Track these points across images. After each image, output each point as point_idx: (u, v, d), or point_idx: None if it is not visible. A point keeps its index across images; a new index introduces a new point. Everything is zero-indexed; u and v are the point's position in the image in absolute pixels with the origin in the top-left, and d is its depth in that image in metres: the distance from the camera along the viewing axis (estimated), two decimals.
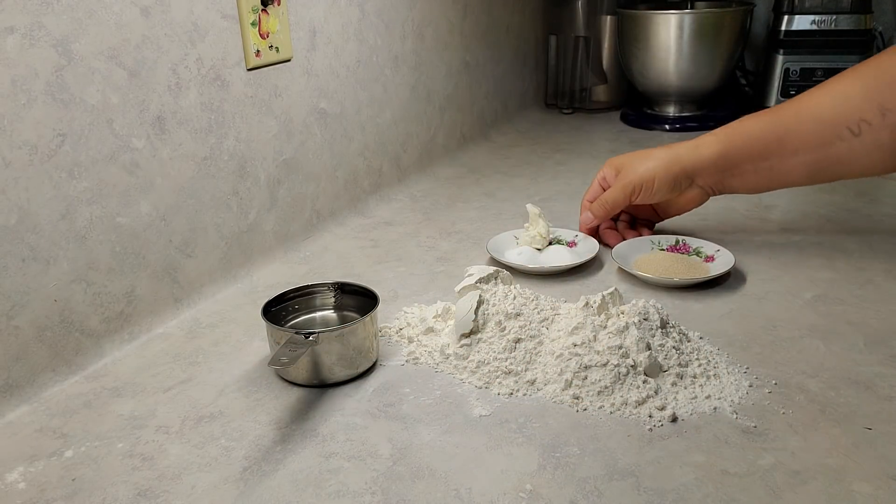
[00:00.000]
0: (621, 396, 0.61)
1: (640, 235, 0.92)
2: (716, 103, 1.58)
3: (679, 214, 0.93)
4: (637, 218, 0.96)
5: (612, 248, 0.88)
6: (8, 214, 0.63)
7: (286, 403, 0.64)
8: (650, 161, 0.86)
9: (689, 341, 0.68)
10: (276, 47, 0.90)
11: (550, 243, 0.93)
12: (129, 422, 0.62)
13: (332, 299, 0.74)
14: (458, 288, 0.73)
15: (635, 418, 0.60)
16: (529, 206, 0.91)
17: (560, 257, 0.89)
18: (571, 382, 0.63)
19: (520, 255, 0.89)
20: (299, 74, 0.95)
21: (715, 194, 0.88)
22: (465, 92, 1.41)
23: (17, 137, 0.63)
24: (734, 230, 0.98)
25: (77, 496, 0.54)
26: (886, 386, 0.63)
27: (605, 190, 0.91)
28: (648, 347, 0.63)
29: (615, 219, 0.95)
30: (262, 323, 0.67)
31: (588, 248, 0.90)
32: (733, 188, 0.86)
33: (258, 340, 0.75)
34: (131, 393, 0.67)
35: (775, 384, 0.64)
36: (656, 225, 0.97)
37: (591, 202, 0.92)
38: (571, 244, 0.93)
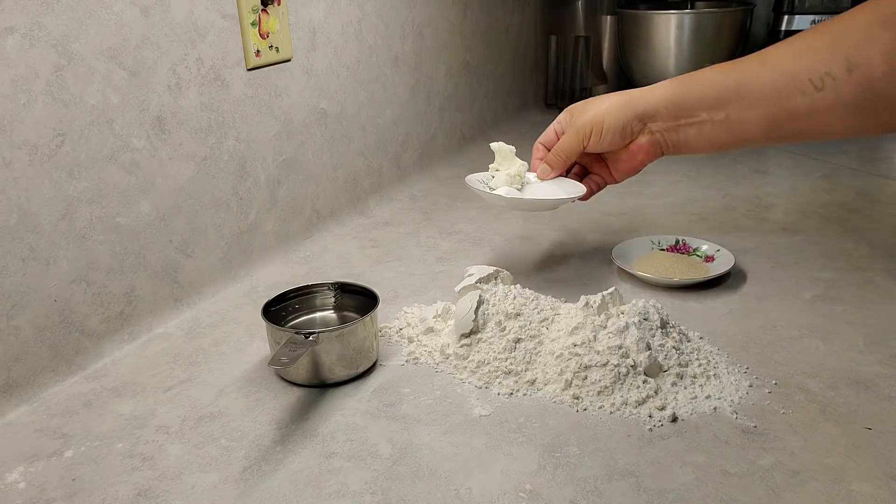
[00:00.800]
0: (621, 396, 0.61)
1: (589, 190, 0.84)
2: None
3: (630, 172, 0.83)
4: (590, 173, 0.87)
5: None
6: (8, 214, 0.63)
7: (286, 403, 0.64)
8: (602, 103, 0.80)
9: (689, 341, 0.68)
10: (276, 47, 0.90)
11: (524, 184, 0.85)
12: (129, 422, 0.62)
13: (332, 299, 0.74)
14: (458, 288, 0.73)
15: (635, 418, 0.60)
16: (499, 145, 0.85)
17: (551, 192, 0.83)
18: (571, 382, 0.63)
19: (508, 193, 0.81)
20: (299, 74, 0.95)
21: (668, 150, 0.79)
22: (465, 92, 1.41)
23: (17, 137, 0.63)
24: (734, 230, 0.98)
25: (77, 496, 0.54)
26: (886, 386, 0.63)
27: (558, 137, 0.84)
28: (648, 347, 0.63)
29: (567, 170, 0.87)
30: (262, 323, 0.67)
31: (568, 184, 0.84)
32: (688, 142, 0.78)
33: (258, 340, 0.75)
34: (131, 393, 0.67)
35: (775, 384, 0.64)
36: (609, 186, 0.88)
37: (545, 146, 0.85)
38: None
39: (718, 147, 0.79)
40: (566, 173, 0.85)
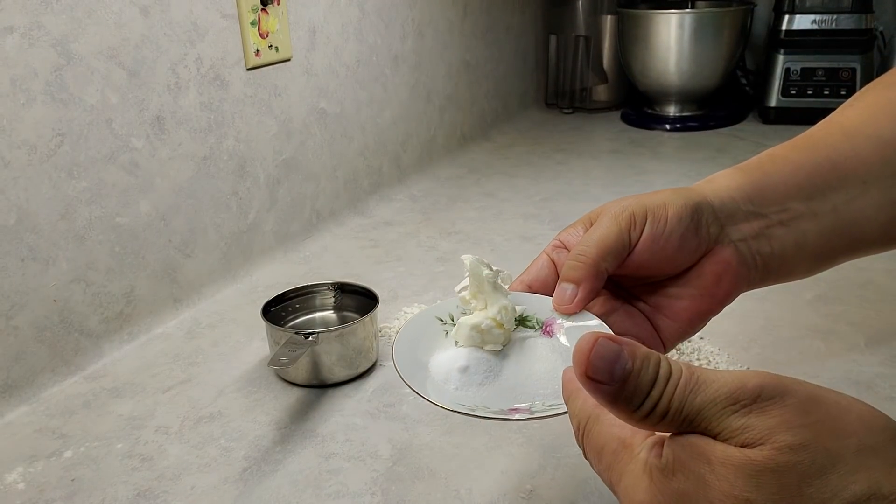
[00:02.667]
0: None
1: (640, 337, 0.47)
2: (716, 103, 1.58)
3: (698, 318, 0.48)
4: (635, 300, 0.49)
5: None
6: (7, 214, 0.63)
7: (286, 404, 0.64)
8: (653, 194, 0.49)
9: (689, 341, 0.68)
10: (276, 47, 0.90)
11: (516, 325, 0.45)
12: (128, 422, 0.62)
13: (332, 299, 0.74)
14: (458, 288, 0.72)
15: None
16: (470, 259, 0.46)
17: (548, 370, 0.43)
18: None
19: (464, 371, 0.42)
20: (299, 74, 0.95)
21: (756, 272, 0.48)
22: (465, 92, 1.41)
23: (17, 137, 0.63)
24: None
25: (76, 496, 0.54)
26: (887, 386, 0.63)
27: (556, 266, 0.48)
28: None
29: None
30: (262, 323, 0.67)
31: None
32: (785, 254, 0.49)
33: (258, 340, 0.75)
34: (131, 393, 0.66)
35: None
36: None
37: (566, 247, 0.48)
38: (547, 329, 0.45)
39: (825, 261, 0.53)
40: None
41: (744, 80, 1.66)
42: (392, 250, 0.96)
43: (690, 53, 1.48)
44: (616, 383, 0.30)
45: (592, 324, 0.44)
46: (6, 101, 0.62)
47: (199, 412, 0.63)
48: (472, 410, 0.39)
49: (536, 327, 0.46)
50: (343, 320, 0.73)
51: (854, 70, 1.43)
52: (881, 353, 0.68)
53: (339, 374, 0.66)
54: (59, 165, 0.66)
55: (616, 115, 1.66)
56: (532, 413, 0.40)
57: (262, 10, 0.87)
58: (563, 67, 1.68)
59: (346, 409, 0.63)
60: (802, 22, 1.49)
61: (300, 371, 0.65)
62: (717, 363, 0.66)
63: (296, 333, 0.63)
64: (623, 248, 0.45)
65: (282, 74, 0.92)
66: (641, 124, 1.56)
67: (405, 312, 0.77)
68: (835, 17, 1.46)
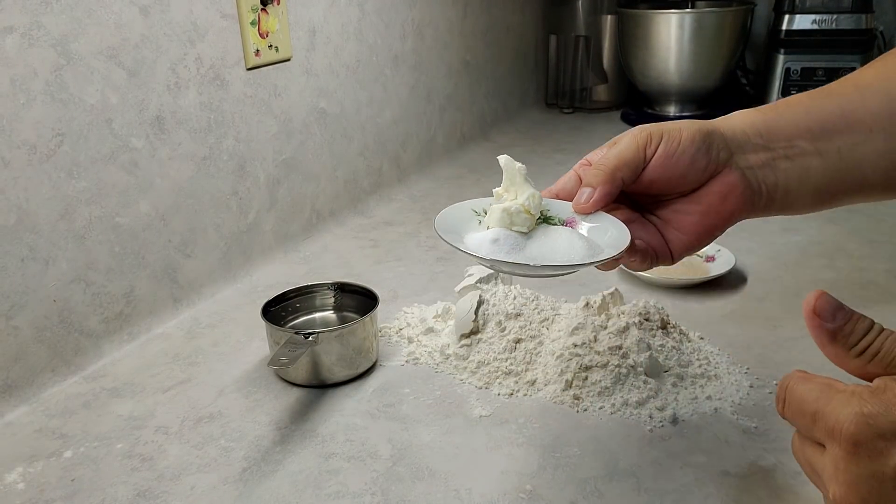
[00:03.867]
0: (622, 397, 0.61)
1: (641, 258, 0.53)
2: (716, 103, 1.58)
3: (705, 233, 0.54)
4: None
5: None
6: (7, 214, 0.63)
7: (286, 404, 0.64)
8: (671, 122, 0.54)
9: (689, 341, 0.68)
10: (276, 47, 0.90)
11: (541, 220, 0.53)
12: (128, 422, 0.62)
13: (332, 299, 0.74)
14: (458, 288, 0.73)
15: (636, 419, 0.60)
16: (506, 160, 0.54)
17: (567, 247, 0.50)
18: (572, 383, 0.62)
19: (495, 242, 0.50)
20: (299, 74, 0.95)
21: (762, 198, 0.53)
22: (465, 92, 1.41)
23: (17, 137, 0.63)
24: (734, 230, 0.98)
25: (76, 496, 0.54)
26: None
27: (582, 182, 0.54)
28: (649, 348, 0.63)
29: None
30: (262, 323, 0.67)
31: (607, 231, 0.52)
32: (789, 185, 0.53)
33: (258, 340, 0.75)
34: (130, 393, 0.66)
35: (776, 384, 0.63)
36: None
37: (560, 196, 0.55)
38: (571, 222, 0.53)
39: (826, 198, 0.55)
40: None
41: (744, 80, 1.66)
42: (392, 250, 0.96)
43: (690, 53, 1.47)
44: (837, 323, 0.39)
45: (609, 222, 0.51)
46: (6, 101, 0.62)
47: (199, 412, 0.63)
48: (503, 258, 0.48)
49: (558, 224, 0.53)
50: (343, 320, 0.73)
51: (854, 70, 1.42)
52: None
53: (339, 374, 0.66)
54: (58, 165, 0.66)
55: (616, 115, 1.66)
56: (557, 270, 0.48)
57: (262, 9, 0.87)
58: (563, 67, 1.68)
59: (346, 409, 0.63)
60: (803, 22, 1.49)
61: (300, 371, 0.65)
62: (716, 363, 0.66)
63: (296, 333, 0.63)
64: (639, 162, 0.52)
65: (282, 74, 0.92)
66: (641, 124, 1.56)
67: (405, 312, 0.77)
68: (835, 17, 1.46)
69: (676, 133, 0.52)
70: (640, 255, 0.53)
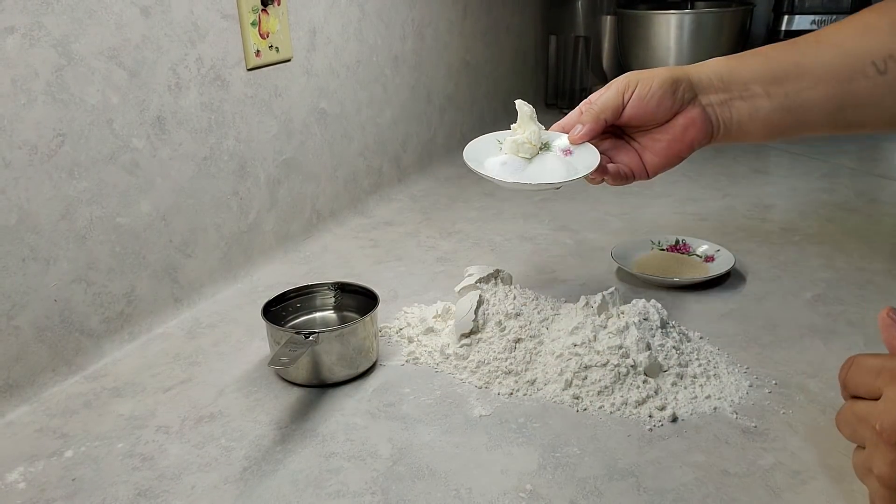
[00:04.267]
0: (621, 396, 0.61)
1: (618, 172, 0.71)
2: None
3: (671, 158, 0.70)
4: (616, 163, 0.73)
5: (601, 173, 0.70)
6: (8, 214, 0.63)
7: (286, 403, 0.64)
8: (651, 70, 0.70)
9: (689, 341, 0.68)
10: (276, 47, 0.90)
11: (539, 149, 0.72)
12: (129, 422, 0.62)
13: (332, 299, 0.74)
14: (458, 288, 0.73)
15: (635, 418, 0.60)
16: (520, 103, 0.74)
17: (551, 169, 0.69)
18: (571, 382, 0.63)
19: (504, 164, 0.69)
20: (299, 74, 0.95)
21: (719, 131, 0.69)
22: (465, 92, 1.41)
23: (17, 137, 0.63)
24: (734, 230, 0.98)
25: (77, 496, 0.54)
26: None
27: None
28: (648, 347, 0.63)
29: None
30: (262, 323, 0.67)
31: (585, 158, 0.70)
32: (741, 122, 0.68)
33: (258, 340, 0.75)
34: (131, 393, 0.67)
35: (775, 384, 0.64)
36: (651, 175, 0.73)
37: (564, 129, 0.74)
38: (567, 152, 0.72)
39: (775, 131, 0.70)
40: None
41: None
42: (392, 250, 0.96)
43: (690, 54, 1.48)
44: None
45: (589, 151, 0.70)
46: (7, 102, 0.62)
47: (200, 412, 0.63)
48: (506, 178, 0.68)
49: (555, 151, 0.72)
50: (343, 320, 0.73)
51: None
52: (880, 353, 0.68)
53: (340, 373, 0.66)
54: (59, 165, 0.67)
55: None
56: (551, 184, 0.67)
57: (262, 10, 0.87)
58: (563, 68, 1.68)
59: (346, 408, 0.63)
60: (802, 22, 1.49)
61: (300, 371, 0.65)
62: (716, 363, 0.66)
63: (296, 333, 0.63)
64: (619, 105, 0.69)
65: (282, 75, 0.92)
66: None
67: (405, 312, 0.77)
68: (834, 17, 1.46)
69: (649, 80, 0.68)
70: (612, 175, 0.70)
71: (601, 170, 0.69)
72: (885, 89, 0.65)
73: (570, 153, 0.72)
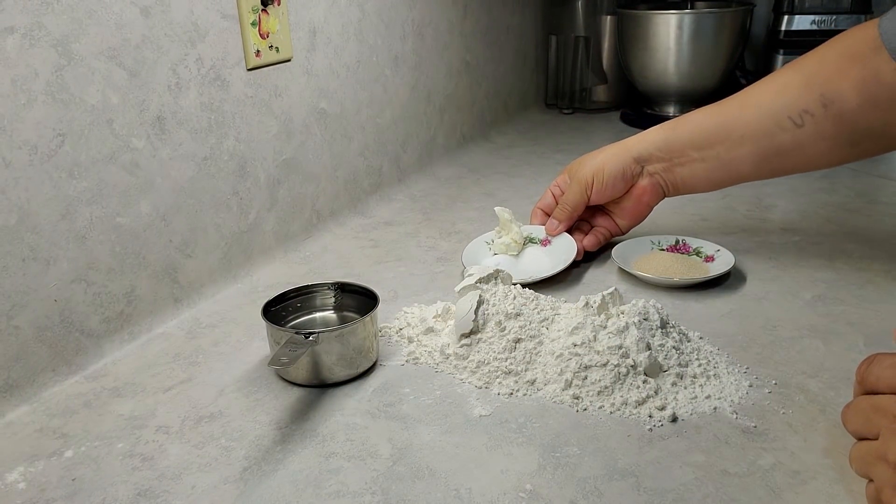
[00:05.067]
0: (621, 396, 0.61)
1: (597, 239, 0.90)
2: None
3: (637, 216, 0.89)
4: (595, 227, 0.91)
5: (583, 248, 0.88)
6: (8, 214, 0.63)
7: (286, 403, 0.64)
8: (598, 155, 0.86)
9: (689, 341, 0.68)
10: (276, 47, 0.90)
11: (525, 244, 0.90)
12: (129, 422, 0.62)
13: (332, 299, 0.74)
14: (458, 288, 0.73)
15: (635, 418, 0.60)
16: (498, 210, 0.89)
17: (539, 263, 0.87)
18: (571, 382, 0.63)
19: (498, 265, 0.80)
20: (299, 74, 0.95)
21: (669, 190, 0.86)
22: (465, 92, 1.41)
23: (17, 137, 0.63)
24: (734, 230, 0.98)
25: (77, 496, 0.54)
26: None
27: (556, 199, 0.91)
28: (648, 347, 0.63)
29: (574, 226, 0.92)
30: (262, 323, 0.67)
31: (564, 247, 0.87)
32: (685, 181, 0.84)
33: (258, 340, 0.75)
34: (131, 393, 0.67)
35: (775, 384, 0.64)
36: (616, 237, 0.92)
37: (543, 211, 0.92)
38: (545, 242, 0.90)
39: (715, 184, 0.85)
40: (571, 232, 0.90)
41: (743, 81, 1.66)
42: (392, 250, 0.97)
43: (690, 54, 1.48)
44: None
45: (567, 240, 0.88)
46: (7, 102, 0.62)
47: (200, 412, 0.63)
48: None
49: (537, 242, 0.91)
50: (343, 320, 0.73)
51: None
52: None
53: (340, 373, 0.66)
54: (59, 165, 0.67)
55: (616, 115, 1.66)
56: (537, 278, 0.82)
57: (262, 10, 0.87)
58: (563, 68, 1.68)
59: (346, 408, 0.63)
60: (802, 22, 1.49)
61: (300, 371, 0.65)
62: (716, 363, 0.66)
63: (296, 333, 0.63)
64: (585, 200, 0.87)
65: (282, 75, 0.92)
66: (641, 125, 1.56)
67: (405, 312, 0.77)
68: (834, 17, 1.46)
69: (601, 172, 0.85)
70: (591, 245, 0.89)
71: (580, 249, 0.88)
72: (805, 139, 0.75)
73: (549, 242, 0.90)
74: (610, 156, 0.85)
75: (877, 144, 0.75)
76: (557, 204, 0.90)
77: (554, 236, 0.89)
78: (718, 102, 0.82)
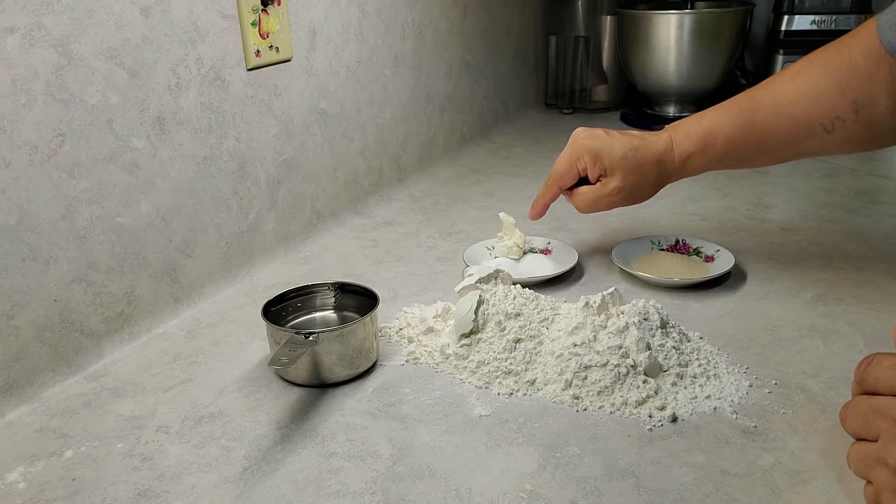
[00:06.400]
0: (621, 396, 0.61)
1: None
2: (716, 103, 1.57)
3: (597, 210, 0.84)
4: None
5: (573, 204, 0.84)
6: (8, 214, 0.63)
7: (286, 403, 0.64)
8: (620, 147, 0.80)
9: (689, 341, 0.68)
10: (276, 47, 0.90)
11: (525, 252, 0.90)
12: (129, 422, 0.62)
13: (332, 299, 0.74)
14: (458, 288, 0.73)
15: (635, 418, 0.60)
16: (503, 216, 0.90)
17: (540, 266, 0.86)
18: (571, 382, 0.63)
19: (498, 266, 0.80)
20: (299, 74, 0.95)
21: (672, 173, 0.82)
22: (465, 92, 1.41)
23: (17, 137, 0.63)
24: (734, 230, 0.98)
25: (77, 496, 0.54)
26: None
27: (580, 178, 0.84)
28: (648, 347, 0.63)
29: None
30: (262, 323, 0.67)
31: (566, 255, 0.88)
32: (685, 175, 0.82)
33: (258, 340, 0.75)
34: (131, 393, 0.67)
35: (775, 384, 0.64)
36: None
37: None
38: (546, 251, 0.91)
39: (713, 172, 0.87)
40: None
41: (743, 81, 1.67)
42: (392, 250, 0.97)
43: (690, 54, 1.48)
44: None
45: (568, 248, 0.90)
46: (7, 102, 0.62)
47: (200, 412, 0.63)
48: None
49: (538, 252, 0.92)
50: (343, 320, 0.73)
51: None
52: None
53: (340, 373, 0.66)
54: (59, 165, 0.67)
55: (616, 115, 1.66)
56: (537, 278, 0.83)
57: (262, 10, 0.87)
58: (563, 68, 1.68)
59: (346, 408, 0.63)
60: (802, 22, 1.49)
61: (300, 371, 0.65)
62: (716, 363, 0.66)
63: (296, 333, 0.63)
64: (573, 176, 0.83)
65: (282, 75, 0.92)
66: (641, 125, 1.56)
67: (405, 312, 0.77)
68: (834, 17, 1.46)
69: (643, 188, 0.82)
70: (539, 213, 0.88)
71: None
72: (831, 143, 0.74)
73: (550, 251, 0.91)
74: (648, 170, 0.80)
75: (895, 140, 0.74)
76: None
77: (532, 217, 0.88)
78: (751, 104, 0.77)
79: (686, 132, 0.80)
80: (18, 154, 0.63)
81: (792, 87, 0.75)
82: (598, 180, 0.81)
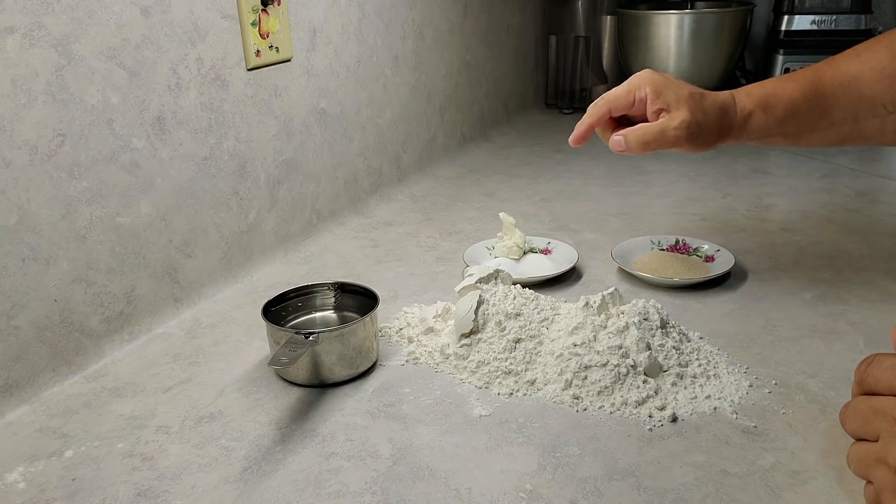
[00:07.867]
0: (621, 396, 0.61)
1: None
2: None
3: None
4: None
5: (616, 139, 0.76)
6: (8, 214, 0.63)
7: (286, 403, 0.64)
8: (679, 88, 0.73)
9: (689, 341, 0.68)
10: (276, 47, 0.90)
11: (525, 252, 0.90)
12: (129, 422, 0.62)
13: (332, 299, 0.74)
14: (458, 288, 0.73)
15: (635, 418, 0.60)
16: (503, 216, 0.89)
17: (540, 266, 0.86)
18: (571, 382, 0.63)
19: (498, 266, 0.80)
20: (299, 74, 0.95)
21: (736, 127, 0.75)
22: (465, 92, 1.41)
23: (17, 137, 0.63)
24: (734, 230, 0.98)
25: (77, 496, 0.54)
26: None
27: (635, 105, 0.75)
28: (648, 347, 0.63)
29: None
30: (262, 323, 0.67)
31: (565, 255, 0.88)
32: (742, 138, 0.76)
33: (258, 340, 0.75)
34: (131, 393, 0.67)
35: (775, 384, 0.64)
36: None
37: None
38: (546, 251, 0.91)
39: (768, 145, 0.83)
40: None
41: (743, 81, 1.67)
42: (392, 250, 0.97)
43: (690, 54, 1.48)
44: None
45: (569, 248, 0.90)
46: (7, 102, 0.62)
47: (200, 412, 0.63)
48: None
49: (538, 252, 0.91)
50: (343, 320, 0.73)
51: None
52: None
53: (340, 373, 0.66)
54: (59, 165, 0.67)
55: None
56: (537, 278, 0.83)
57: (262, 10, 0.87)
58: (563, 68, 1.68)
59: (346, 408, 0.63)
60: (802, 22, 1.49)
61: (300, 371, 0.65)
62: (716, 363, 0.66)
63: (296, 333, 0.63)
64: (628, 103, 0.74)
65: (282, 75, 0.92)
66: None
67: (405, 312, 0.77)
68: (834, 17, 1.46)
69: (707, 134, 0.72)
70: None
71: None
72: (889, 124, 0.72)
73: (550, 252, 0.91)
74: (699, 105, 0.72)
75: None
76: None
77: (574, 140, 0.78)
78: (813, 70, 0.75)
79: (747, 92, 0.76)
80: (18, 154, 0.63)
81: (857, 64, 0.73)
82: (656, 117, 0.73)
